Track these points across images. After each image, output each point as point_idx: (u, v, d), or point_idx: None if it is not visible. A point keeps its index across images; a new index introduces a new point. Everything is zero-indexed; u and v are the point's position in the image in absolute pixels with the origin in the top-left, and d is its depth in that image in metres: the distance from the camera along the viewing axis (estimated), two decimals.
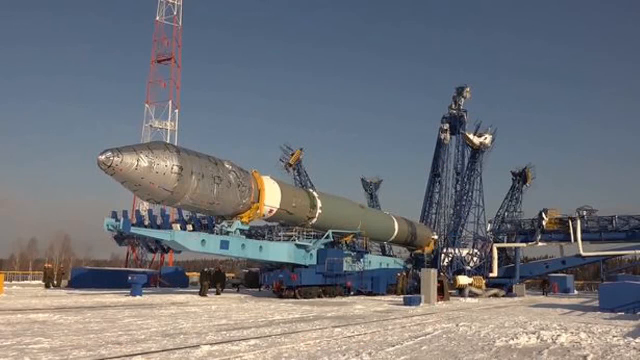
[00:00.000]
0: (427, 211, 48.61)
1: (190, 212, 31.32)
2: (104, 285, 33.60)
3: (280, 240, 29.58)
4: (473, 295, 34.90)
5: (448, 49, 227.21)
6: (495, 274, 39.90)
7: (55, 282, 36.32)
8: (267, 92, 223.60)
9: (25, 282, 43.77)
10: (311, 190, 33.36)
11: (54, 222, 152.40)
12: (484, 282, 37.46)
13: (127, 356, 8.50)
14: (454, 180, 43.56)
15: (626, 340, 11.38)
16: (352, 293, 31.85)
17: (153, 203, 23.83)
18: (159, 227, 35.97)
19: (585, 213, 39.44)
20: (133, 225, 28.56)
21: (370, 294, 33.04)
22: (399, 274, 36.24)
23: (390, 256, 44.19)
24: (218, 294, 29.13)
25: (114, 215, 32.90)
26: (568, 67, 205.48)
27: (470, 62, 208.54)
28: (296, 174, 43.59)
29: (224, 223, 25.97)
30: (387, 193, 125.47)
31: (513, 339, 11.24)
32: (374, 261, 37.03)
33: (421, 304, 24.49)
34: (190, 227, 33.20)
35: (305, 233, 30.47)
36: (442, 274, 34.87)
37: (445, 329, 13.47)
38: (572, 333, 12.44)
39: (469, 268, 39.51)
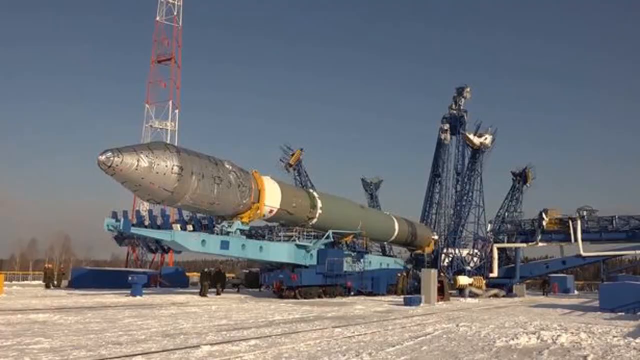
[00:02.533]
0: (427, 211, 48.63)
1: (190, 212, 31.31)
2: (104, 285, 33.57)
3: (280, 240, 29.53)
4: (473, 295, 34.89)
5: (448, 49, 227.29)
6: (495, 274, 39.94)
7: (55, 282, 36.30)
8: (267, 92, 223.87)
9: (25, 282, 43.72)
10: (311, 190, 33.33)
11: (54, 222, 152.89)
12: (484, 282, 37.47)
13: (127, 356, 8.50)
14: (454, 180, 43.51)
15: (626, 340, 11.38)
16: (352, 293, 31.83)
17: (153, 203, 23.83)
18: (159, 227, 35.95)
19: (585, 213, 39.48)
20: (133, 225, 28.58)
21: (370, 294, 33.03)
22: (399, 274, 36.24)
23: (390, 256, 44.16)
24: (218, 294, 29.12)
25: (114, 215, 32.86)
26: (568, 67, 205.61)
27: (470, 62, 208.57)
28: (296, 174, 43.57)
29: (224, 223, 25.97)
30: (387, 193, 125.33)
31: (513, 339, 11.24)
32: (374, 261, 37.01)
33: (421, 304, 24.49)
34: (190, 227, 33.25)
35: (305, 233, 30.42)
36: (442, 274, 34.84)
37: (445, 329, 13.47)
38: (572, 333, 12.44)
39: (469, 268, 39.48)
